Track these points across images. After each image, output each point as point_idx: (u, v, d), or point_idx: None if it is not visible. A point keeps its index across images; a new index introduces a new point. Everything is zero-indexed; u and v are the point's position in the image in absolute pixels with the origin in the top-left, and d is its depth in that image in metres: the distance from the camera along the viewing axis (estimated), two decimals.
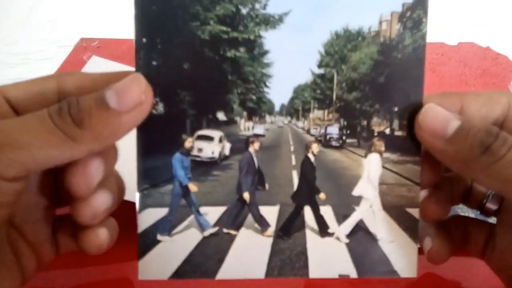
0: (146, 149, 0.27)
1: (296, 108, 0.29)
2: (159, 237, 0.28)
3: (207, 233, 0.29)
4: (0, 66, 0.70)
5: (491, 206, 0.31)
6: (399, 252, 0.29)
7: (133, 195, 0.28)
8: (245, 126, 0.29)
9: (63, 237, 0.28)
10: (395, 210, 0.29)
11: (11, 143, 0.21)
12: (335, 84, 0.28)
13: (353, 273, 0.29)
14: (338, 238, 0.29)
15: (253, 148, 0.29)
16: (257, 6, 0.26)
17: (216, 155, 0.30)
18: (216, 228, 0.29)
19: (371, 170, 0.29)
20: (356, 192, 0.29)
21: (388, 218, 0.29)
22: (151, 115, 0.27)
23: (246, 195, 0.29)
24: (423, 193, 0.30)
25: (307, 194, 0.29)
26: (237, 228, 0.29)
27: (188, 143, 0.28)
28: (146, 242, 0.28)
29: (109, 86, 0.23)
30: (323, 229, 0.29)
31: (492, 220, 0.31)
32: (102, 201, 0.25)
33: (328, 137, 0.30)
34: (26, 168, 0.21)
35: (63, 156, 0.22)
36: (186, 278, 0.28)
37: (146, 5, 0.26)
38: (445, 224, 0.31)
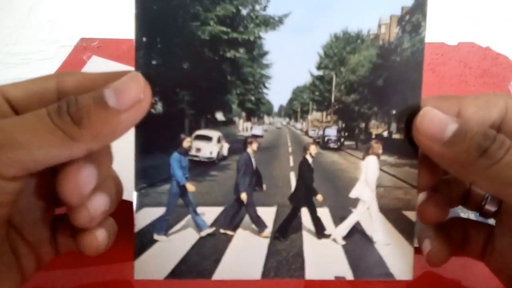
0: (144, 148, 0.27)
1: (294, 109, 0.29)
2: (155, 236, 0.28)
3: (204, 233, 0.29)
4: (0, 66, 0.70)
5: (490, 208, 0.31)
6: (395, 255, 0.29)
7: (130, 194, 0.28)
8: (244, 127, 0.29)
9: (62, 237, 0.28)
10: (392, 212, 0.29)
11: (11, 142, 0.21)
12: (333, 86, 0.28)
13: (349, 275, 0.29)
14: (334, 240, 0.29)
15: (251, 148, 0.29)
16: (257, 7, 0.27)
17: (214, 155, 0.30)
18: (213, 229, 0.29)
19: (368, 173, 0.29)
20: (353, 194, 0.29)
21: (384, 221, 0.29)
22: (150, 114, 0.27)
23: (244, 196, 0.29)
24: (421, 196, 0.30)
25: (304, 195, 0.29)
26: (234, 229, 0.29)
27: (186, 142, 0.28)
28: (143, 241, 0.28)
29: (107, 85, 0.23)
30: (319, 231, 0.29)
31: (491, 221, 0.31)
32: (99, 204, 0.25)
33: (326, 139, 0.30)
34: (26, 168, 0.21)
35: (62, 155, 0.22)
36: (182, 278, 0.28)
37: (147, 5, 0.26)
38: (444, 226, 0.31)
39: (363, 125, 0.29)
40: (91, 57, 0.64)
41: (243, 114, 0.29)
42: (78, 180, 0.23)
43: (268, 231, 0.29)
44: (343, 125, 0.29)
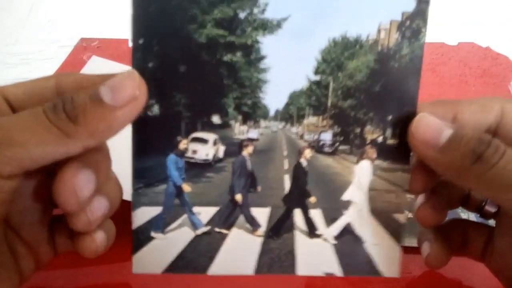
0: (140, 149, 0.27)
1: (290, 114, 0.29)
2: (153, 234, 0.29)
3: (199, 231, 0.30)
4: (0, 66, 0.69)
5: (490, 208, 0.31)
6: (384, 254, 0.30)
7: (127, 193, 0.28)
8: (240, 130, 0.29)
9: (60, 238, 0.28)
10: (382, 215, 0.30)
11: (6, 140, 0.21)
12: (330, 91, 0.28)
13: (338, 272, 0.30)
14: (326, 240, 0.30)
15: (247, 151, 0.29)
16: (255, 10, 0.26)
17: (210, 157, 0.30)
18: (208, 227, 0.30)
19: (361, 177, 0.29)
20: (345, 197, 0.30)
21: (375, 222, 0.30)
22: (146, 116, 0.27)
23: (239, 197, 0.30)
24: (419, 199, 0.30)
25: (298, 197, 0.30)
26: (229, 228, 0.30)
27: (182, 144, 0.28)
28: (140, 238, 0.29)
29: (103, 82, 0.22)
30: (311, 231, 0.30)
31: (492, 222, 0.32)
32: (98, 208, 0.25)
33: (321, 143, 0.30)
34: (22, 165, 0.21)
35: (58, 152, 0.22)
36: (179, 273, 0.29)
37: (144, 6, 0.25)
38: (443, 228, 0.31)
39: (358, 130, 0.29)
40: (91, 57, 0.64)
41: (239, 117, 0.29)
42: (75, 185, 0.23)
43: (261, 230, 0.30)
44: (339, 130, 0.29)
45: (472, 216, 0.43)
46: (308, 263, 0.30)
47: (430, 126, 0.26)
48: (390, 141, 0.29)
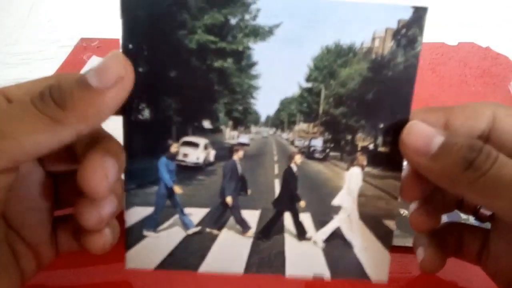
0: (132, 152, 0.27)
1: (281, 120, 0.29)
2: (145, 232, 0.30)
3: (190, 231, 0.30)
4: (0, 66, 0.69)
5: (485, 211, 0.31)
6: (372, 258, 0.30)
7: None
8: (230, 135, 0.29)
9: (63, 238, 0.29)
10: (372, 220, 0.30)
11: None
12: (322, 99, 0.28)
13: (327, 274, 0.31)
14: (315, 243, 0.31)
15: (237, 156, 0.30)
16: (246, 17, 0.25)
17: (201, 161, 0.30)
18: (199, 227, 0.30)
19: (352, 183, 0.29)
20: (335, 202, 0.30)
21: (364, 227, 0.30)
22: (138, 120, 0.28)
23: (229, 199, 0.30)
24: (413, 205, 0.30)
25: (287, 201, 0.30)
26: (219, 229, 0.31)
27: (173, 148, 0.28)
28: (133, 236, 0.29)
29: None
30: (301, 234, 0.31)
31: (488, 225, 0.31)
32: (109, 206, 0.26)
33: (312, 149, 0.30)
34: (15, 158, 0.21)
35: (51, 141, 0.22)
36: (170, 270, 0.30)
37: (133, 11, 0.25)
38: (438, 232, 0.31)
39: (349, 137, 0.29)
40: (91, 57, 0.64)
41: (230, 122, 0.29)
42: (105, 169, 0.24)
43: (251, 231, 0.31)
44: (330, 137, 0.29)
45: (472, 219, 0.43)
46: (297, 265, 0.31)
47: (421, 133, 0.25)
48: (381, 149, 0.28)
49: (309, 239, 0.31)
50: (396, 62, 0.27)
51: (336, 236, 0.31)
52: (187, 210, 0.30)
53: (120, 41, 0.26)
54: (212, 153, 0.30)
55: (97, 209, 0.25)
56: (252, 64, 0.27)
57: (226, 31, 0.26)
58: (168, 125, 0.28)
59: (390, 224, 0.30)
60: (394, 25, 0.26)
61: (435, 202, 0.30)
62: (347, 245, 0.31)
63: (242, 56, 0.26)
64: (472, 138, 0.25)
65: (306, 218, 0.31)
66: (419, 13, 0.26)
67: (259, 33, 0.26)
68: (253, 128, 0.29)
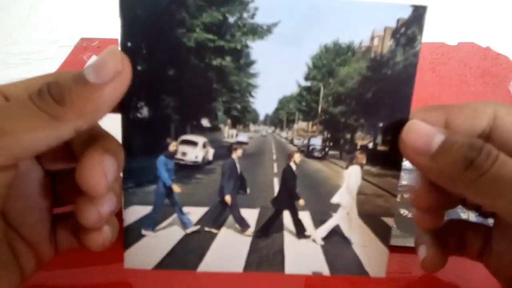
0: (131, 151, 0.27)
1: (280, 118, 0.29)
2: (143, 232, 0.30)
3: (189, 230, 0.30)
4: (0, 66, 0.70)
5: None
6: (371, 255, 0.30)
7: None
8: (229, 134, 0.29)
9: (62, 236, 0.29)
10: (371, 218, 0.30)
11: None
12: (321, 97, 0.28)
13: (326, 271, 0.31)
14: (314, 240, 0.31)
15: (236, 155, 0.30)
16: (245, 15, 0.25)
17: (200, 159, 0.30)
18: (198, 226, 0.30)
19: (351, 181, 0.29)
20: (334, 200, 0.30)
21: (363, 225, 0.30)
22: (136, 118, 0.28)
23: (228, 198, 0.30)
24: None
25: (286, 200, 0.30)
26: (218, 227, 0.31)
27: (172, 147, 0.28)
28: (131, 235, 0.29)
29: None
30: (300, 232, 0.31)
31: (490, 220, 0.31)
32: (108, 204, 0.25)
33: (311, 148, 0.30)
34: (14, 156, 0.21)
35: (49, 137, 0.22)
36: (169, 269, 0.30)
37: (131, 9, 0.25)
38: (440, 230, 0.31)
39: (348, 136, 0.29)
40: (91, 57, 0.64)
41: (229, 121, 0.29)
42: (104, 167, 0.23)
43: (250, 230, 0.31)
44: (329, 135, 0.29)
45: (472, 216, 0.43)
46: (296, 262, 0.31)
47: (421, 132, 0.25)
48: (381, 148, 0.28)
49: (308, 237, 0.31)
50: (395, 61, 0.27)
51: (335, 234, 0.31)
52: (185, 209, 0.30)
53: (119, 39, 0.26)
54: (211, 152, 0.30)
55: (96, 207, 0.25)
56: (250, 63, 0.27)
57: (224, 29, 0.26)
58: (166, 124, 0.28)
59: (389, 221, 0.30)
60: (393, 24, 0.26)
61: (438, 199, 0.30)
62: (346, 242, 0.31)
63: (241, 55, 0.26)
64: (473, 137, 0.25)
65: (305, 217, 0.31)
66: (419, 12, 0.25)
67: (257, 32, 0.26)
68: (252, 127, 0.29)
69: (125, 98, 0.26)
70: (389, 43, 0.26)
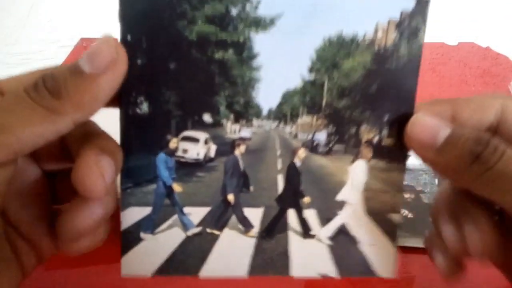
0: (129, 148, 0.26)
1: (284, 113, 0.28)
2: (142, 235, 0.29)
3: (190, 232, 0.29)
4: (0, 66, 0.69)
5: None
6: (379, 254, 0.30)
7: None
8: (232, 129, 0.28)
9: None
10: (378, 215, 0.29)
11: None
12: (325, 91, 0.27)
13: (334, 273, 0.30)
14: (320, 240, 0.30)
15: (239, 151, 0.29)
16: (248, 7, 0.25)
17: (201, 156, 0.29)
18: (199, 228, 0.29)
19: (356, 177, 0.29)
20: (340, 197, 0.29)
21: (370, 223, 0.30)
22: (135, 114, 0.27)
23: (231, 197, 0.29)
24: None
25: (291, 198, 0.29)
26: (221, 228, 0.29)
27: (172, 143, 0.27)
28: (129, 239, 0.28)
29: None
30: (305, 231, 0.30)
31: None
32: (105, 206, 0.25)
33: (315, 143, 0.29)
34: (12, 151, 0.21)
35: (48, 131, 0.21)
36: (169, 276, 0.29)
37: (131, 2, 0.24)
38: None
39: (353, 130, 0.28)
40: None
41: (231, 116, 0.28)
42: (101, 168, 0.23)
43: (254, 231, 0.29)
44: (333, 130, 0.29)
45: None
46: (302, 264, 0.30)
47: (427, 126, 0.25)
48: (387, 141, 0.28)
49: (314, 236, 0.30)
50: (399, 53, 0.26)
51: (342, 233, 0.30)
52: (186, 209, 0.29)
53: (119, 33, 0.25)
54: (213, 148, 0.29)
55: (90, 210, 0.24)
56: (253, 56, 0.26)
57: (227, 21, 0.25)
58: (167, 119, 0.27)
59: (396, 218, 0.29)
60: (397, 16, 0.26)
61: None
62: (353, 241, 0.30)
63: (243, 48, 0.26)
64: (480, 131, 0.25)
65: (310, 215, 0.30)
66: (422, 4, 0.25)
67: (260, 24, 0.25)
68: (255, 122, 0.29)
69: (124, 92, 0.25)
70: (393, 35, 0.26)
